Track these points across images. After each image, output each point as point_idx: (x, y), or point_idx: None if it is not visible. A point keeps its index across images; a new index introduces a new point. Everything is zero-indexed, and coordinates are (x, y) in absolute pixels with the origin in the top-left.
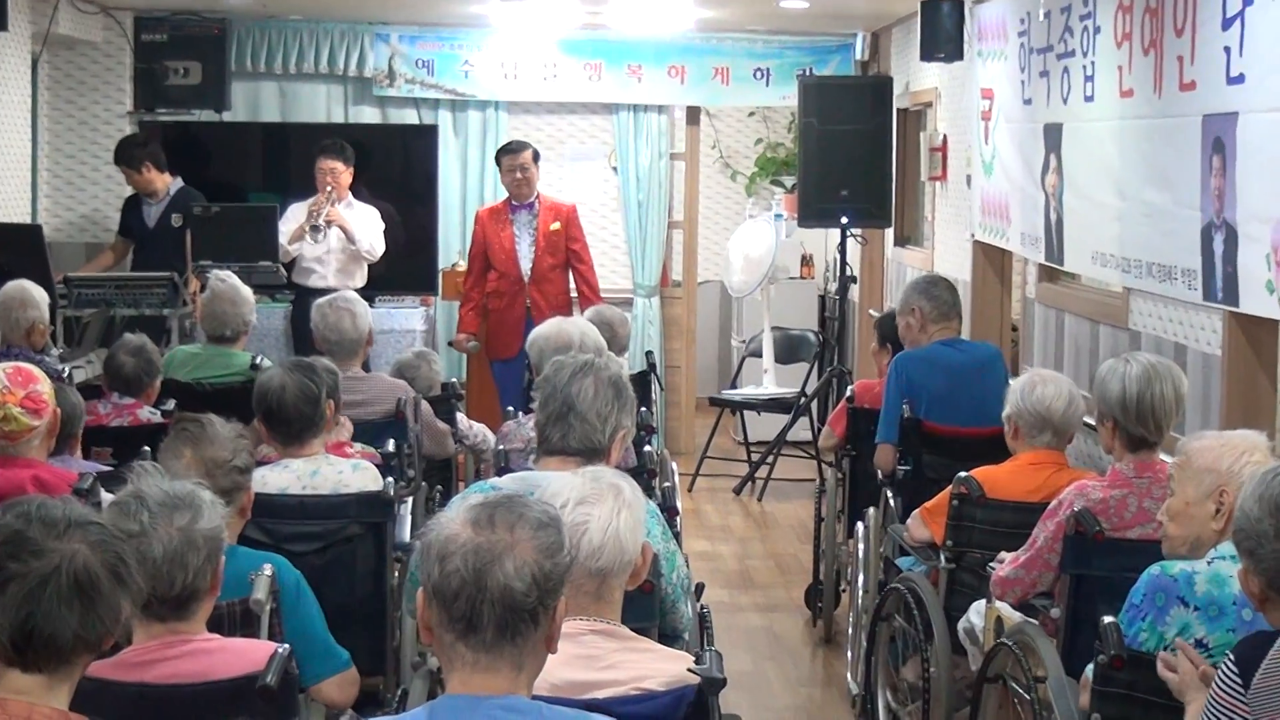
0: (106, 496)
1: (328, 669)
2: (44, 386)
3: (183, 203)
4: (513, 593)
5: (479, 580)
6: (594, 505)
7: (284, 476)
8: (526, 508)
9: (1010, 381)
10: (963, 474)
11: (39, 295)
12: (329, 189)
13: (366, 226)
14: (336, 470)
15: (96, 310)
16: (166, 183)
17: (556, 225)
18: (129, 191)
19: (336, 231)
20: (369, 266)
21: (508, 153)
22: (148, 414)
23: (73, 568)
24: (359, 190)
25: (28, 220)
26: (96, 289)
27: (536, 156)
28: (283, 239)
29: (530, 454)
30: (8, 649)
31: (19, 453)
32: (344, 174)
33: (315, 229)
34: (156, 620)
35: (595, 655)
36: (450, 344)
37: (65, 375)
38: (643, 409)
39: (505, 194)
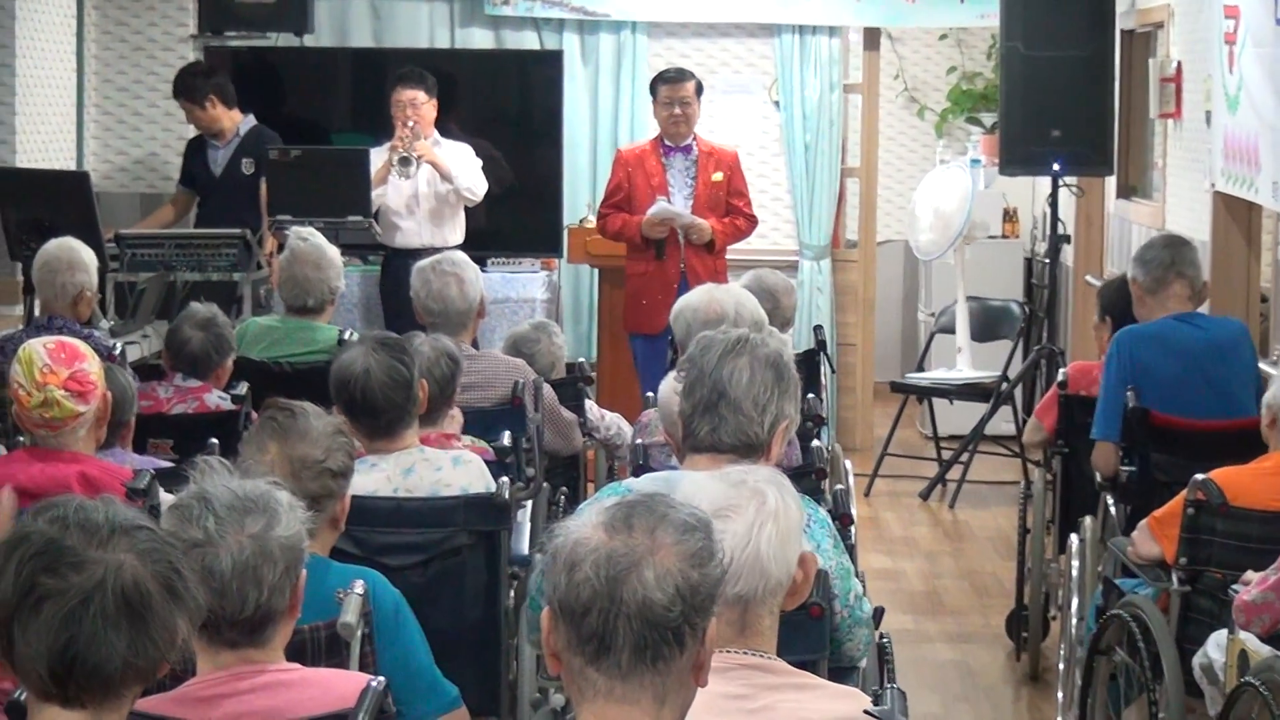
0: (166, 498)
1: (433, 707)
2: (91, 365)
3: (256, 145)
4: (653, 606)
5: (613, 591)
6: (729, 519)
7: (373, 477)
8: (671, 508)
9: (1260, 364)
10: (1200, 476)
11: (86, 257)
12: (410, 123)
13: (461, 163)
14: (434, 467)
15: (154, 274)
16: (236, 121)
17: (719, 175)
18: (192, 132)
19: (426, 171)
20: (473, 219)
21: (666, 82)
22: (216, 399)
23: (119, 582)
24: (448, 129)
25: (72, 166)
26: (154, 249)
27: (700, 89)
28: None
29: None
30: (45, 680)
31: (63, 444)
32: (425, 105)
33: (405, 161)
34: (226, 647)
35: (745, 694)
36: (644, 233)
37: (117, 352)
38: (810, 395)
39: (646, 134)
